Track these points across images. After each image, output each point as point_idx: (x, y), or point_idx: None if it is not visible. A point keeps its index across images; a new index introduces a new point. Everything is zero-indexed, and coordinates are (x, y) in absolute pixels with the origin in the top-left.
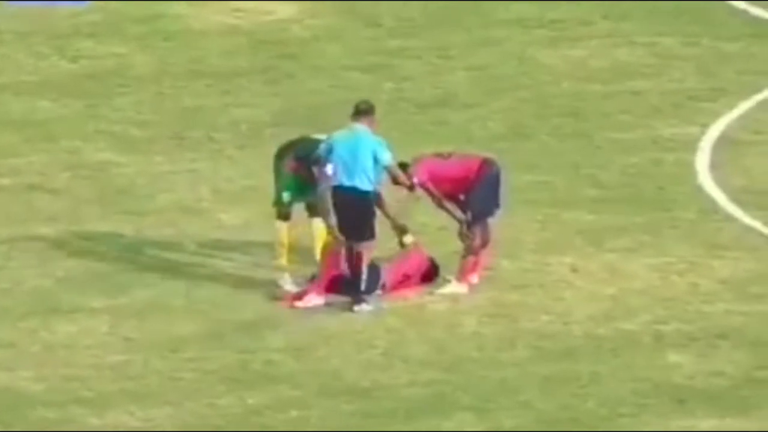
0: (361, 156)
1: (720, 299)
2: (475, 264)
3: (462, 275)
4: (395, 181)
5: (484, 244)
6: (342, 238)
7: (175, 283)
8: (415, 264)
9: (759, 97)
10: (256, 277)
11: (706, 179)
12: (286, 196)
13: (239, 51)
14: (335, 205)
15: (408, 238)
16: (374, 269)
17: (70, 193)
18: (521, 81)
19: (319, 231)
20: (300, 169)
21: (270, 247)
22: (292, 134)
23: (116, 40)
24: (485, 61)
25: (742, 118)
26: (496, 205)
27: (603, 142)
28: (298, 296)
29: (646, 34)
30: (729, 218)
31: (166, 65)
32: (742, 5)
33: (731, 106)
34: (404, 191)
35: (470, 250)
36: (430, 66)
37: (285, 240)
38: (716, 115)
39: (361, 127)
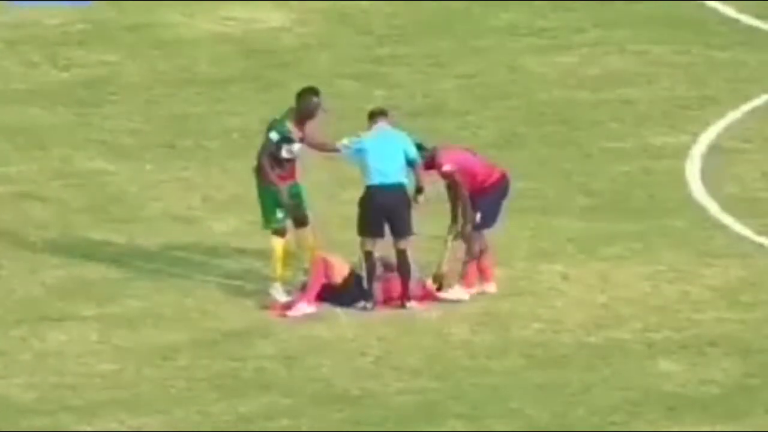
0: (395, 152)
1: (711, 307)
2: (484, 270)
3: (465, 281)
4: (418, 188)
5: (483, 251)
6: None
7: (165, 292)
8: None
9: (749, 105)
10: (246, 285)
11: (696, 187)
12: (279, 213)
13: (230, 59)
14: (375, 205)
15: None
16: (359, 280)
17: (61, 202)
18: (512, 89)
19: (306, 241)
20: (283, 172)
21: (261, 255)
22: None
23: (107, 48)
24: (476, 69)
25: (733, 126)
26: (495, 220)
27: (594, 150)
28: (288, 305)
29: (637, 42)
30: (719, 226)
31: (156, 73)
32: (733, 14)
33: (722, 115)
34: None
35: (471, 254)
36: (420, 74)
37: (281, 255)
38: (707, 123)
39: (384, 125)
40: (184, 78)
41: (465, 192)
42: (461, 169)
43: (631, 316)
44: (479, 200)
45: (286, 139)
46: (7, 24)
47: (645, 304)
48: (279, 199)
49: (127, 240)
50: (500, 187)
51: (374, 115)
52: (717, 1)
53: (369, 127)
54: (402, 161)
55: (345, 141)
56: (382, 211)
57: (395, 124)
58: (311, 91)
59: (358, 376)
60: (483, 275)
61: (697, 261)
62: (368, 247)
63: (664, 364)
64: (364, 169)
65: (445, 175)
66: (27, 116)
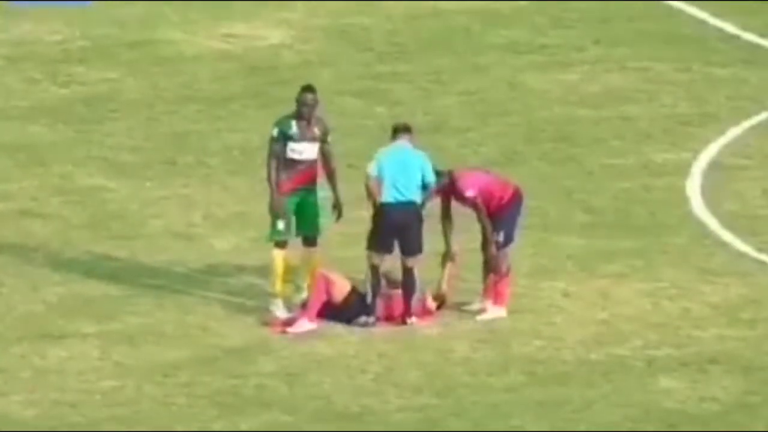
0: (411, 171)
1: (711, 324)
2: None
3: (497, 299)
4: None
5: (508, 269)
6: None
7: (166, 309)
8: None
9: (750, 122)
10: (247, 302)
11: (697, 204)
12: (279, 224)
13: (231, 76)
14: (388, 222)
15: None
16: (362, 297)
17: (62, 218)
18: (512, 106)
19: (311, 261)
20: (293, 176)
21: (261, 272)
22: None
23: (108, 65)
24: (476, 86)
25: (733, 143)
26: (514, 235)
27: (594, 167)
28: (289, 322)
29: (638, 60)
30: (720, 243)
31: (157, 90)
32: (734, 31)
33: (722, 132)
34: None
35: (499, 273)
36: (421, 91)
37: (280, 269)
38: (707, 140)
39: (406, 143)
40: (184, 95)
41: (486, 217)
42: (482, 192)
43: (631, 333)
44: (499, 218)
45: (288, 137)
46: (7, 41)
47: (646, 321)
48: (278, 207)
49: (127, 257)
50: (516, 203)
51: (397, 131)
52: (718, 19)
53: (392, 141)
54: (417, 181)
55: (369, 170)
56: (394, 228)
57: (416, 142)
58: (304, 88)
59: (358, 393)
60: (497, 297)
61: (697, 278)
62: (375, 261)
63: (665, 381)
64: (379, 185)
65: (468, 201)
66: (28, 133)
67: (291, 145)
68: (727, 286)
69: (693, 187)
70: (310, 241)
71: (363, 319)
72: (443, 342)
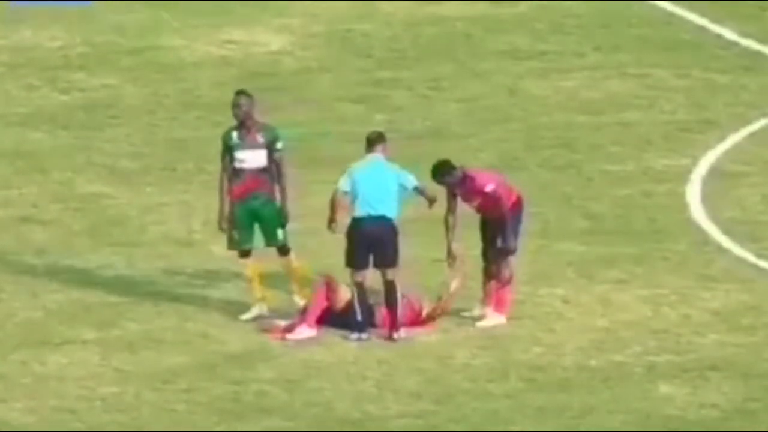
0: (385, 184)
1: (711, 331)
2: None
3: (499, 306)
4: (430, 201)
5: (511, 277)
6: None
7: (166, 315)
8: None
9: (749, 128)
10: (247, 309)
11: (697, 211)
12: (235, 233)
13: (230, 82)
14: (361, 237)
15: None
16: (368, 308)
17: (62, 225)
18: (512, 112)
19: (289, 269)
20: (241, 184)
21: (261, 278)
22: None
23: (108, 71)
24: (476, 93)
25: (733, 149)
26: (517, 243)
27: (594, 173)
28: (288, 329)
29: (637, 66)
30: (720, 250)
31: (157, 97)
32: (733, 37)
33: (722, 138)
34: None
35: (503, 281)
36: (421, 97)
37: (251, 277)
38: (707, 146)
39: (379, 156)
40: (184, 101)
41: (508, 209)
42: (499, 187)
43: (631, 339)
44: (507, 228)
45: (230, 147)
46: (7, 47)
47: (645, 327)
48: (233, 215)
49: (127, 263)
50: (518, 209)
51: (373, 142)
52: (717, 25)
53: (366, 153)
54: (392, 194)
55: (341, 185)
56: (368, 242)
57: (392, 151)
58: (237, 91)
59: (358, 399)
60: (498, 304)
61: (697, 284)
62: (357, 278)
63: (665, 388)
64: (352, 200)
65: (489, 196)
66: (28, 140)
67: (235, 154)
68: (727, 292)
69: (693, 193)
70: (279, 250)
71: (356, 335)
72: (443, 348)
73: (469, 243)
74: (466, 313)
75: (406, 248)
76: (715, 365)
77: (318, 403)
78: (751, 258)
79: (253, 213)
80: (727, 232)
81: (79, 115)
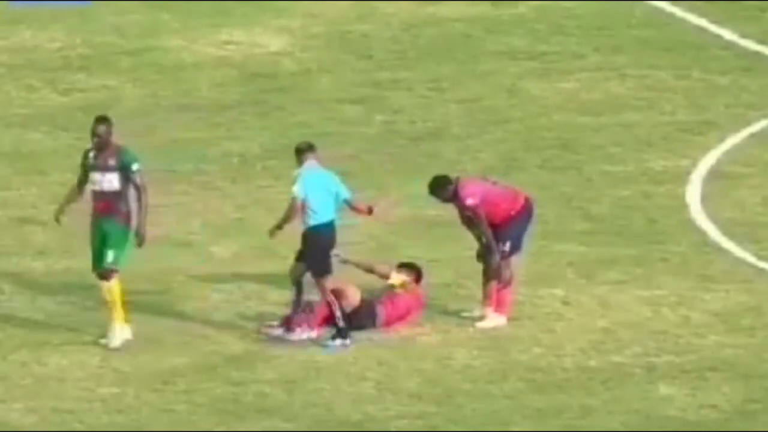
0: (329, 191)
1: (711, 332)
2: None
3: (499, 307)
4: (357, 210)
5: (512, 278)
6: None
7: (165, 316)
8: (408, 303)
9: (749, 130)
10: (247, 310)
11: (697, 212)
12: (119, 258)
13: (230, 84)
14: (322, 244)
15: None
16: (369, 306)
17: (61, 226)
18: (512, 113)
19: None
20: (97, 205)
21: (261, 279)
22: (283, 167)
23: (107, 72)
24: (476, 94)
25: (733, 151)
26: (521, 245)
27: (594, 174)
28: (288, 327)
29: (637, 67)
30: (720, 251)
31: (156, 98)
32: (733, 38)
33: (722, 139)
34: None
35: (503, 282)
36: (421, 98)
37: (115, 297)
38: (707, 147)
39: (316, 164)
40: (184, 103)
41: (487, 226)
42: (483, 201)
43: (631, 340)
44: (507, 229)
45: (85, 166)
46: (7, 48)
47: (645, 328)
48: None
49: (126, 264)
50: (526, 214)
51: (304, 152)
52: (717, 26)
53: (299, 164)
54: (332, 199)
55: (298, 192)
56: (328, 248)
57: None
58: (97, 118)
59: (358, 400)
60: (499, 305)
61: (697, 285)
62: (327, 285)
63: (665, 389)
64: (308, 207)
65: (468, 209)
66: (27, 141)
67: (90, 175)
68: (727, 293)
69: (693, 194)
70: (99, 275)
71: (339, 342)
72: (443, 349)
73: (466, 244)
74: (466, 314)
75: (406, 248)
76: (714, 366)
77: (318, 403)
78: (751, 259)
79: (102, 235)
80: (726, 233)
81: (79, 116)
